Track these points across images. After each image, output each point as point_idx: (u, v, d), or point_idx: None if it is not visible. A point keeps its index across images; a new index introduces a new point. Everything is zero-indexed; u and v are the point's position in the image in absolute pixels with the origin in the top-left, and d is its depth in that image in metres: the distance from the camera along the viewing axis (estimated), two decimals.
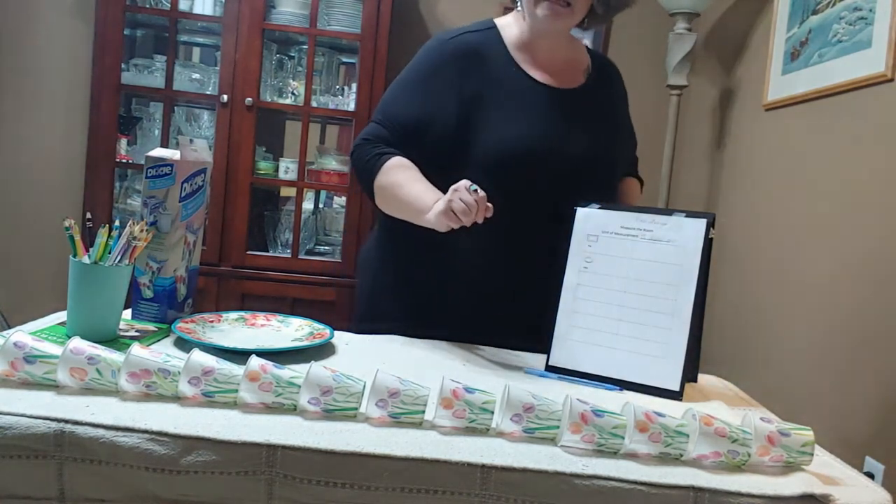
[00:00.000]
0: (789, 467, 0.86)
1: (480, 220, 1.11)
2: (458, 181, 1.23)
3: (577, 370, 1.15)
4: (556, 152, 1.29)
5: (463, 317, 1.30)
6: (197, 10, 2.69)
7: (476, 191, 1.11)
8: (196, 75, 2.72)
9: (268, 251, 2.77)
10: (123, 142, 2.76)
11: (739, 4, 2.80)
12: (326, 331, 1.19)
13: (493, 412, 0.86)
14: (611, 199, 1.39)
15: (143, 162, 1.17)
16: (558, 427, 0.86)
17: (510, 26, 1.37)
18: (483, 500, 0.78)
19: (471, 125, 1.28)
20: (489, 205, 1.11)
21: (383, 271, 1.42)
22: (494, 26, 1.37)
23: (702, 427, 0.84)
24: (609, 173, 1.40)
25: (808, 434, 0.86)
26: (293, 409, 0.86)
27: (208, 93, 2.69)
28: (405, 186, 1.25)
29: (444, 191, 1.20)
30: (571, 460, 0.81)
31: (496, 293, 1.32)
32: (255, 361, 0.87)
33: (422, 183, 1.24)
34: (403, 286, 1.38)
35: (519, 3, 1.33)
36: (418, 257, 1.34)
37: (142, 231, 1.08)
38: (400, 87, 1.36)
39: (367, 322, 1.38)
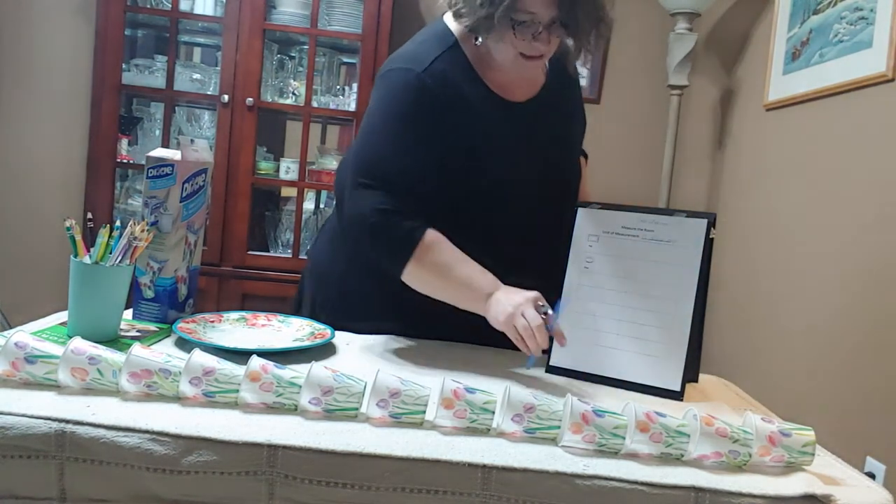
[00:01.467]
0: (790, 467, 0.86)
1: (537, 350, 1.09)
2: (454, 215, 1.20)
3: (578, 370, 1.15)
4: (533, 169, 1.27)
5: (453, 320, 1.29)
6: (198, 10, 2.69)
7: (546, 313, 1.09)
8: (197, 75, 2.72)
9: (268, 251, 2.77)
10: (124, 142, 2.76)
11: (740, 4, 2.80)
12: (327, 331, 1.19)
13: (493, 412, 0.86)
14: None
15: (143, 162, 1.17)
16: (559, 427, 0.86)
17: (469, 39, 1.26)
18: (484, 501, 0.78)
19: (461, 157, 1.22)
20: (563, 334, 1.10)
21: (357, 273, 1.35)
22: (456, 42, 1.26)
23: (703, 427, 0.84)
24: (579, 167, 1.41)
25: (809, 434, 0.86)
26: (294, 410, 0.86)
27: (209, 93, 2.69)
28: (455, 268, 1.17)
29: (434, 208, 1.19)
30: (572, 460, 0.81)
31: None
32: (255, 361, 0.87)
33: (470, 264, 1.18)
34: (389, 292, 1.34)
35: (478, 39, 1.21)
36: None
37: (143, 231, 1.08)
38: (387, 135, 1.22)
39: (349, 322, 1.31)
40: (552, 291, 1.23)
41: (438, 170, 1.21)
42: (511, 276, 1.22)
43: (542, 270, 1.27)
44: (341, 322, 1.29)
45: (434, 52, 1.22)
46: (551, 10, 1.13)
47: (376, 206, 1.18)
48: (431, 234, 1.17)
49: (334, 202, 1.42)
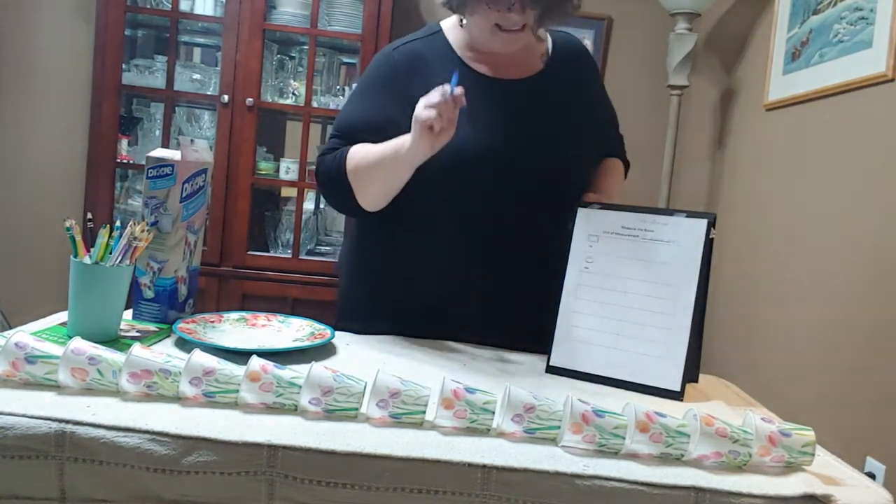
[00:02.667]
0: (790, 467, 0.86)
1: (453, 114, 1.09)
2: (424, 186, 1.22)
3: (578, 370, 1.15)
4: (512, 147, 1.26)
5: (453, 321, 1.30)
6: (198, 10, 2.70)
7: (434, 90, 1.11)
8: (197, 76, 2.72)
9: (268, 251, 2.77)
10: (124, 142, 2.76)
11: (740, 4, 2.80)
12: (327, 331, 1.19)
13: (493, 412, 0.86)
14: (586, 183, 1.36)
15: (143, 162, 1.17)
16: (559, 427, 0.86)
17: (457, 28, 1.33)
18: (484, 501, 0.78)
19: None
20: (460, 92, 1.09)
21: (360, 274, 1.40)
22: (440, 30, 1.34)
23: (703, 427, 0.84)
24: (576, 159, 1.34)
25: (809, 434, 0.86)
26: (294, 410, 0.86)
27: (209, 93, 2.69)
28: (374, 151, 1.23)
29: (416, 195, 1.22)
30: (572, 460, 0.81)
31: (474, 292, 1.30)
32: (255, 362, 0.87)
33: (387, 142, 1.22)
34: (380, 288, 1.35)
35: (462, 21, 1.28)
36: (393, 257, 1.33)
37: (143, 231, 1.08)
38: (349, 102, 1.37)
39: (348, 322, 1.33)
40: (539, 262, 1.25)
41: (399, 129, 1.22)
42: (498, 242, 1.26)
43: (529, 239, 1.28)
44: (346, 322, 1.30)
45: (413, 37, 1.35)
46: None
47: (319, 153, 1.34)
48: (352, 147, 1.27)
49: None
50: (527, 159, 1.27)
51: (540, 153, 1.28)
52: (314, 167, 1.33)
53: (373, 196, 1.26)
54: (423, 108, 1.11)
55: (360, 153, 1.26)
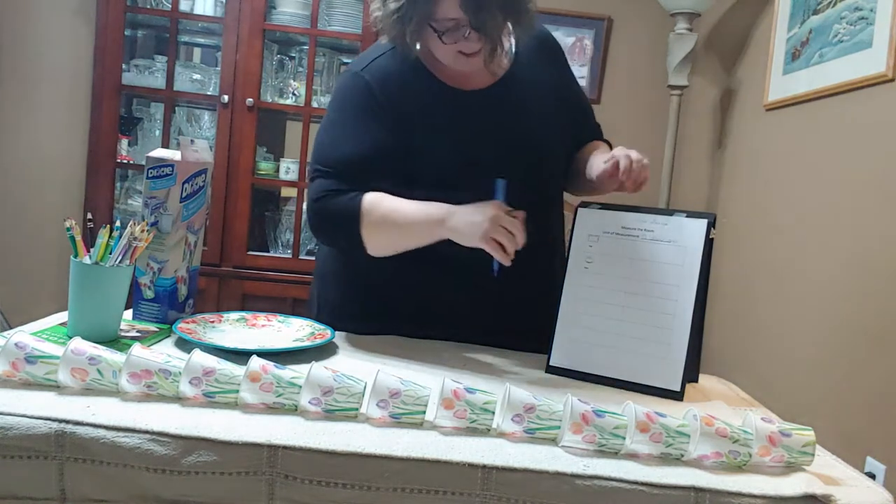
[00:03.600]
0: (790, 467, 0.86)
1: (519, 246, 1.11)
2: (411, 199, 1.20)
3: (578, 370, 1.15)
4: (492, 155, 1.26)
5: (453, 321, 1.30)
6: (198, 10, 2.70)
7: (514, 215, 1.11)
8: (197, 76, 2.72)
9: (268, 251, 2.77)
10: (124, 142, 2.76)
11: (740, 4, 2.80)
12: (327, 331, 1.19)
13: (493, 412, 0.86)
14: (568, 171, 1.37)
15: (143, 162, 1.17)
16: (559, 427, 0.86)
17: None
18: (484, 501, 0.78)
19: (408, 149, 1.22)
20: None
21: (349, 278, 1.38)
22: None
23: (703, 427, 0.84)
24: (558, 152, 1.35)
25: (809, 434, 0.86)
26: (294, 410, 0.87)
27: (209, 93, 2.69)
28: (402, 210, 1.19)
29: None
30: (572, 460, 0.81)
31: (469, 295, 1.30)
32: (255, 362, 0.87)
33: (414, 202, 1.20)
34: (386, 293, 1.34)
35: (418, 45, 1.26)
36: (381, 262, 1.31)
37: (143, 231, 1.08)
38: (331, 131, 1.29)
39: (341, 324, 1.32)
40: (532, 260, 1.24)
41: (388, 154, 1.23)
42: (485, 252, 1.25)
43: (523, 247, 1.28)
44: (342, 322, 1.29)
45: (377, 53, 1.30)
46: (466, 13, 1.15)
47: (318, 193, 1.24)
48: (369, 196, 1.21)
49: None
50: (508, 165, 1.27)
51: (519, 157, 1.28)
52: (311, 209, 1.26)
53: (387, 250, 1.24)
54: (497, 227, 1.11)
55: (380, 212, 1.20)
